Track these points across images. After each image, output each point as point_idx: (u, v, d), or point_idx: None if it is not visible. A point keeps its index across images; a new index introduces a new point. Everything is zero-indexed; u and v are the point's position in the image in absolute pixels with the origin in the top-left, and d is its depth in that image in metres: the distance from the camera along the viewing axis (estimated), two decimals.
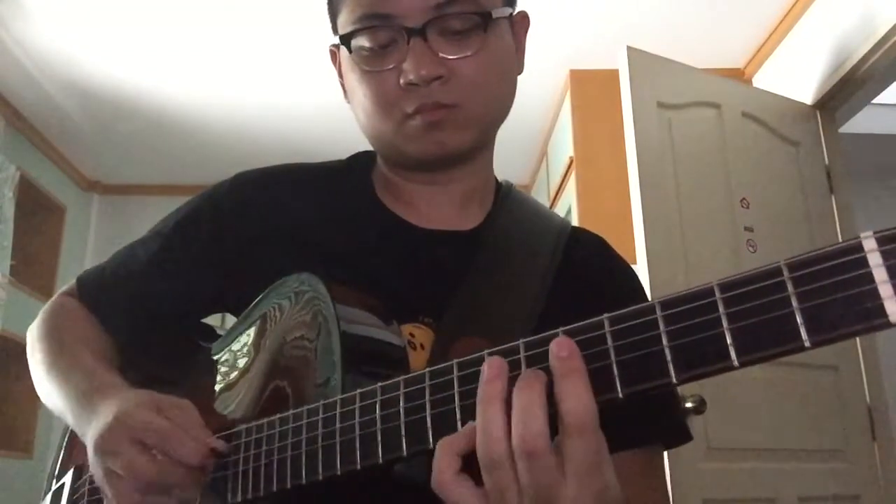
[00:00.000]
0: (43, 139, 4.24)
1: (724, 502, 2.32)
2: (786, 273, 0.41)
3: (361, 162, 0.91)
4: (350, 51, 0.78)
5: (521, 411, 0.47)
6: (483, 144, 0.85)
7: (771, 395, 2.41)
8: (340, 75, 0.87)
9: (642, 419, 0.71)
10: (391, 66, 0.76)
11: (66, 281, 0.92)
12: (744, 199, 2.61)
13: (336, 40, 0.84)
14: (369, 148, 0.89)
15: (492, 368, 0.50)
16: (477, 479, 0.50)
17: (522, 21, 0.86)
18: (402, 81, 0.75)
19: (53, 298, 0.93)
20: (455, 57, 0.76)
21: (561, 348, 0.48)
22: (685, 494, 2.21)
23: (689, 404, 2.17)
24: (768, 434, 2.41)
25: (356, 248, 0.81)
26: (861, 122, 3.59)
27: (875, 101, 3.22)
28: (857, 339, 2.48)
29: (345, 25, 0.79)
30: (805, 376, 2.49)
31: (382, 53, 0.77)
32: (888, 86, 2.97)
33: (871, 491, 2.55)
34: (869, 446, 2.60)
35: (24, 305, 3.86)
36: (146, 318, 0.88)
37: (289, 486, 0.62)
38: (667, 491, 0.81)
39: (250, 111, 3.96)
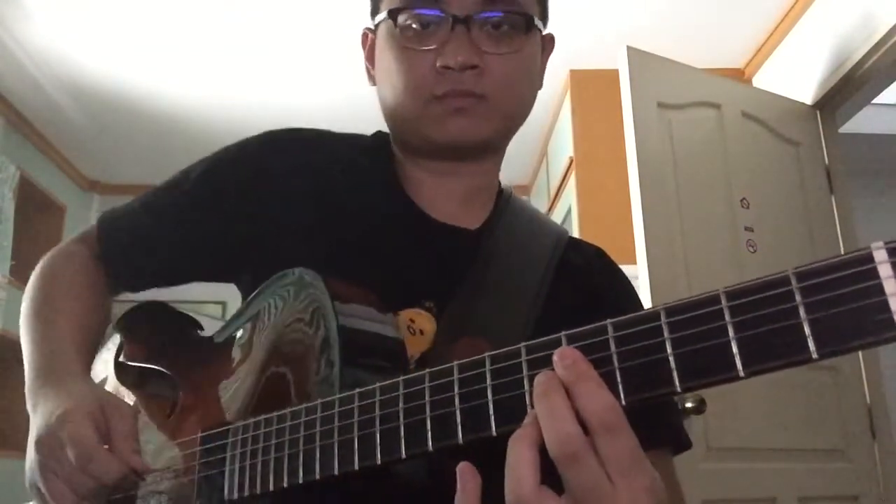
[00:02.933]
0: (43, 139, 4.23)
1: (724, 502, 2.32)
2: (794, 282, 0.40)
3: (384, 141, 0.93)
4: (396, 24, 0.81)
5: (547, 416, 0.47)
6: (497, 144, 0.87)
7: (771, 395, 2.41)
8: (368, 59, 0.90)
9: (646, 423, 0.71)
10: (431, 47, 0.79)
11: None
12: (744, 199, 2.61)
13: (370, 24, 0.88)
14: None
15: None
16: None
17: (550, 42, 0.91)
18: (438, 64, 0.78)
19: (62, 244, 0.94)
20: (493, 52, 0.79)
21: (563, 357, 0.47)
22: (685, 494, 2.21)
23: (689, 404, 2.17)
24: (768, 434, 2.41)
25: (370, 225, 0.83)
26: (861, 122, 3.58)
27: (875, 101, 3.21)
28: None
29: (392, 2, 0.82)
30: (805, 376, 2.49)
31: (425, 34, 0.80)
32: (888, 86, 2.97)
33: (870, 491, 2.55)
34: (869, 446, 2.60)
35: None
36: (158, 266, 0.90)
37: (286, 484, 0.62)
38: (681, 493, 0.81)
39: (250, 111, 3.95)
